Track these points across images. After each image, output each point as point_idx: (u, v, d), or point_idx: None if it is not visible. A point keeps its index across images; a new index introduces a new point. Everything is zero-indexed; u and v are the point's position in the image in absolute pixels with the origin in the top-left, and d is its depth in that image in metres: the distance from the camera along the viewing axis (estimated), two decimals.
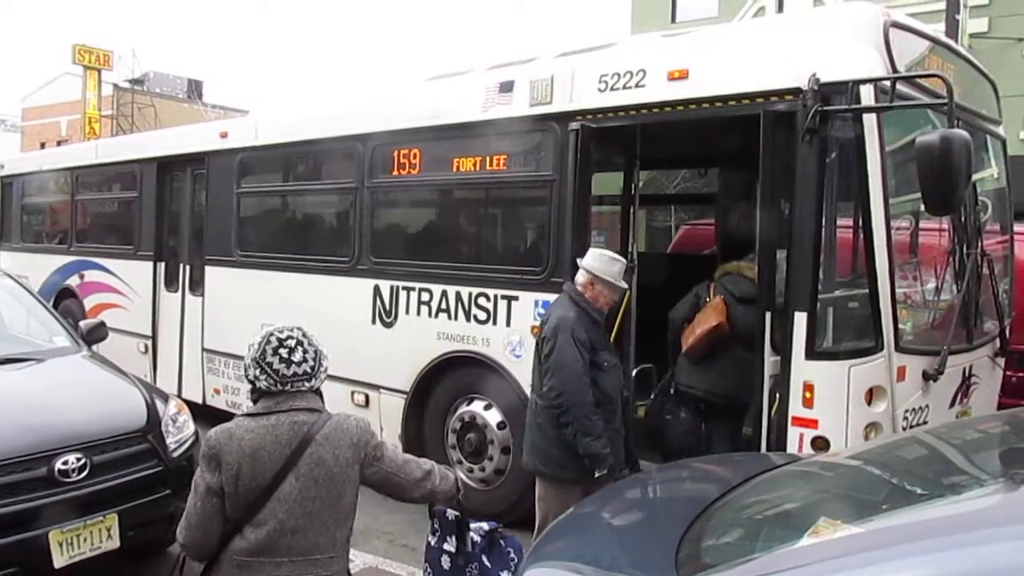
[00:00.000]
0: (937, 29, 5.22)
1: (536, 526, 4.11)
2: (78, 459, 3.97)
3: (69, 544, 3.87)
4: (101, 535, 3.98)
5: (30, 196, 11.06)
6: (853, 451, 3.69)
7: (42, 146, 29.86)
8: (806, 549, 2.30)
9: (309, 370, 2.69)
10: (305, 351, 2.70)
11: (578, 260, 4.26)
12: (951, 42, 5.40)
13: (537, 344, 4.17)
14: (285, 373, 2.65)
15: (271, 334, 2.72)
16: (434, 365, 5.68)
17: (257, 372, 2.67)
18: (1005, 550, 2.01)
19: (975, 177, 4.84)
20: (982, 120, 5.24)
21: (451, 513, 3.26)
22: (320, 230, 7.22)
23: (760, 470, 3.34)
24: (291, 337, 2.71)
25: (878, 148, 4.06)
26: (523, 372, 5.18)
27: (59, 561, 3.84)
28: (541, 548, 2.94)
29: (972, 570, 1.98)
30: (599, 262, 4.11)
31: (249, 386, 2.74)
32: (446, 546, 3.27)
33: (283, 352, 2.66)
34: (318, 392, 2.76)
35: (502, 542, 3.22)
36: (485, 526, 3.25)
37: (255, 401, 2.72)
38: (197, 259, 7.88)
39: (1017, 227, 5.87)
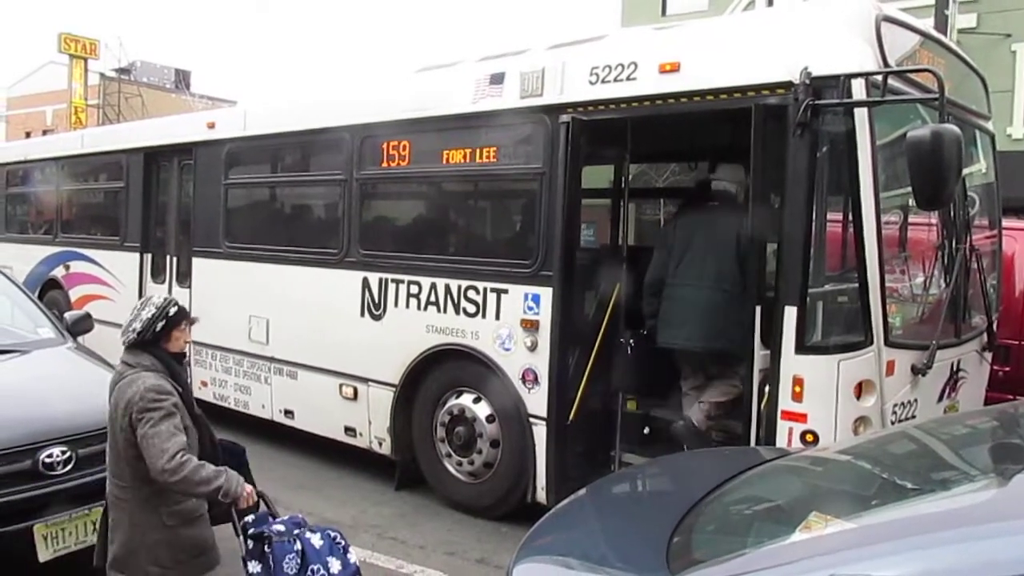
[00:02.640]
0: (926, 24, 5.22)
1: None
2: (63, 452, 3.94)
3: (54, 538, 3.85)
4: (87, 528, 3.94)
5: (15, 186, 10.95)
6: (842, 446, 3.69)
7: (27, 135, 29.59)
8: (797, 544, 2.30)
9: (127, 327, 3.21)
10: (140, 313, 3.23)
11: None
12: (941, 37, 5.40)
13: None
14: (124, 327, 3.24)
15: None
16: (423, 358, 5.66)
17: None
18: (996, 546, 2.01)
19: (965, 172, 4.85)
20: (972, 115, 5.25)
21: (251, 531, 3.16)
22: (308, 222, 7.17)
23: (750, 465, 3.33)
24: (148, 299, 3.31)
25: (869, 142, 4.06)
26: (513, 366, 5.18)
27: (44, 555, 3.81)
28: (532, 542, 2.92)
29: (963, 565, 1.98)
30: None
31: None
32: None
33: (135, 311, 3.26)
34: (146, 350, 3.20)
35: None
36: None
37: None
38: (184, 251, 7.81)
39: (1005, 222, 5.90)
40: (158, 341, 3.23)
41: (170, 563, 3.09)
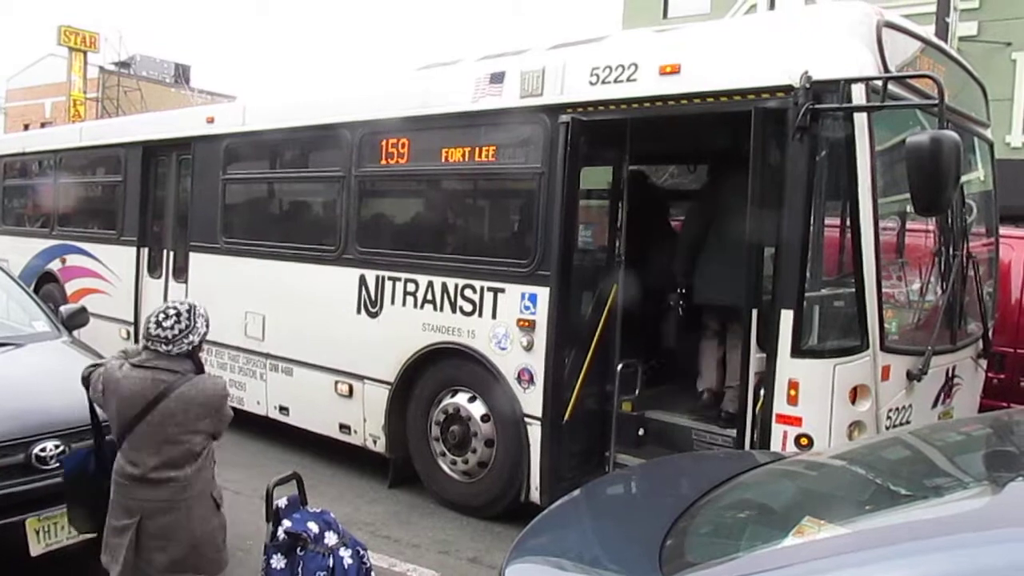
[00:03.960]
0: (927, 31, 5.23)
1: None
2: (56, 446, 3.92)
3: (46, 532, 3.83)
4: None
5: (12, 178, 10.93)
6: (837, 450, 3.70)
7: (26, 128, 29.52)
8: (790, 549, 2.30)
9: (170, 336, 3.19)
10: (178, 321, 3.21)
11: None
12: (942, 43, 5.41)
13: None
14: (150, 333, 3.21)
15: (165, 303, 3.34)
16: (419, 356, 5.65)
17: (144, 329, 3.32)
18: (989, 553, 2.01)
19: (963, 179, 4.85)
20: (971, 122, 5.26)
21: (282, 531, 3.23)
22: (306, 218, 7.17)
23: (744, 468, 3.33)
24: (172, 308, 3.27)
25: (868, 147, 4.06)
26: (509, 365, 5.18)
27: (36, 549, 3.80)
28: (525, 542, 2.92)
29: (956, 571, 1.97)
30: None
31: None
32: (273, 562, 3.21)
33: (159, 317, 3.23)
34: (189, 356, 3.25)
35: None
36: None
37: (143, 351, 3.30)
38: (181, 245, 7.79)
39: (1002, 230, 5.91)
40: (198, 351, 3.35)
41: (222, 545, 3.19)
